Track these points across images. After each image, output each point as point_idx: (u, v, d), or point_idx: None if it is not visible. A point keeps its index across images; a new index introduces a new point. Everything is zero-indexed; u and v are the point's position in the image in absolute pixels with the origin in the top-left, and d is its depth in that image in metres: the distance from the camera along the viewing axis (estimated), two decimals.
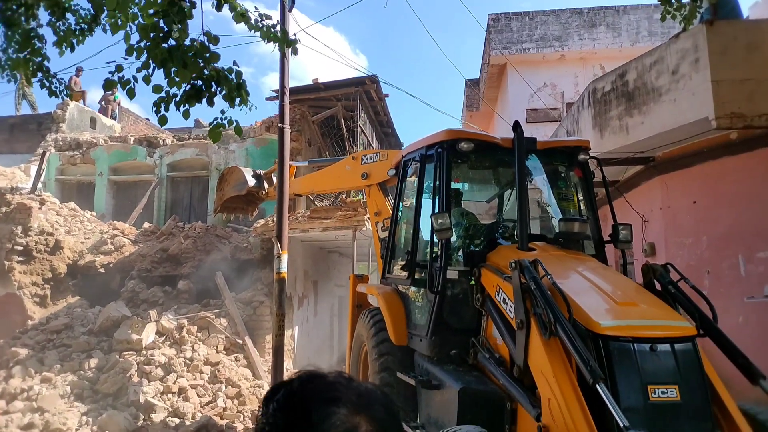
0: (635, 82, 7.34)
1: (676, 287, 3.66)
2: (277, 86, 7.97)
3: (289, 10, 6.97)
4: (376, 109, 13.92)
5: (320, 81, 12.06)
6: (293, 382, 0.89)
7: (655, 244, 8.13)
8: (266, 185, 9.15)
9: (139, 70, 3.72)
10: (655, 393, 2.94)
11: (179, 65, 3.52)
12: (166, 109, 3.71)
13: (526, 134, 4.52)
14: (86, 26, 4.29)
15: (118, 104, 20.10)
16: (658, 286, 3.78)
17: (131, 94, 3.78)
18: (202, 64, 3.58)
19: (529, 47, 15.03)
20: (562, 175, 5.08)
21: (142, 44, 3.63)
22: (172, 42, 3.60)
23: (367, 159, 7.07)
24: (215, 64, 3.64)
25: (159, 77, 3.78)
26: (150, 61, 3.65)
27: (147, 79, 3.71)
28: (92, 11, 4.18)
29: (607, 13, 14.66)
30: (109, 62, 3.69)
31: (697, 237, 7.48)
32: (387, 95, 13.41)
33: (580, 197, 4.94)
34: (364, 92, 12.56)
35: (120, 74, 3.77)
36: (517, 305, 3.48)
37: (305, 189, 8.59)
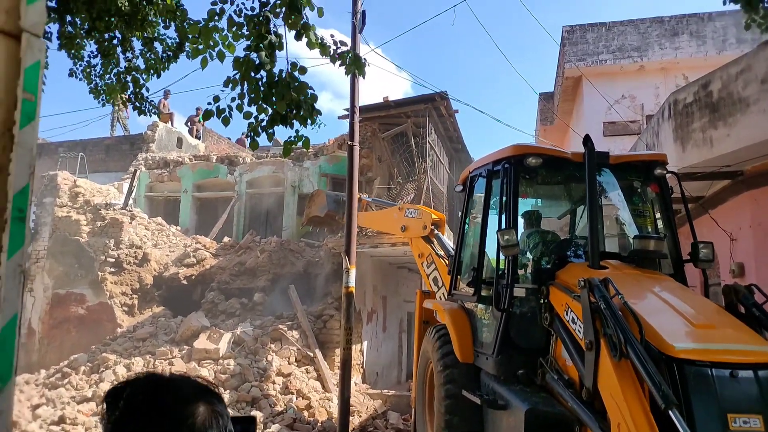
0: (720, 93, 6.97)
1: (761, 310, 3.43)
2: (345, 105, 8.36)
3: (360, 32, 7.19)
4: (446, 125, 13.93)
5: (390, 99, 12.26)
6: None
7: (744, 264, 7.61)
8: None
9: (233, 99, 4.03)
10: (735, 422, 2.77)
11: (279, 97, 3.78)
12: (256, 134, 4.00)
13: (603, 148, 4.42)
14: (172, 54, 4.64)
15: (203, 125, 21.29)
16: (741, 308, 3.55)
17: (226, 122, 4.09)
18: (293, 94, 3.82)
19: (605, 58, 14.58)
20: (638, 190, 4.91)
21: (236, 76, 3.91)
22: (263, 72, 3.86)
23: (409, 213, 7.72)
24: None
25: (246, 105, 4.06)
26: (245, 91, 3.94)
27: (240, 108, 4.01)
28: (177, 40, 4.52)
29: (690, 21, 13.98)
30: (210, 95, 4.01)
31: None
32: (457, 111, 13.42)
33: (657, 214, 4.74)
34: (434, 108, 12.62)
35: (217, 104, 4.09)
36: (587, 325, 3.39)
37: (365, 224, 9.65)
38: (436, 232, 7.25)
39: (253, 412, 9.40)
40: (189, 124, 21.05)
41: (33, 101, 0.88)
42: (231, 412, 1.09)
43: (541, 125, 20.08)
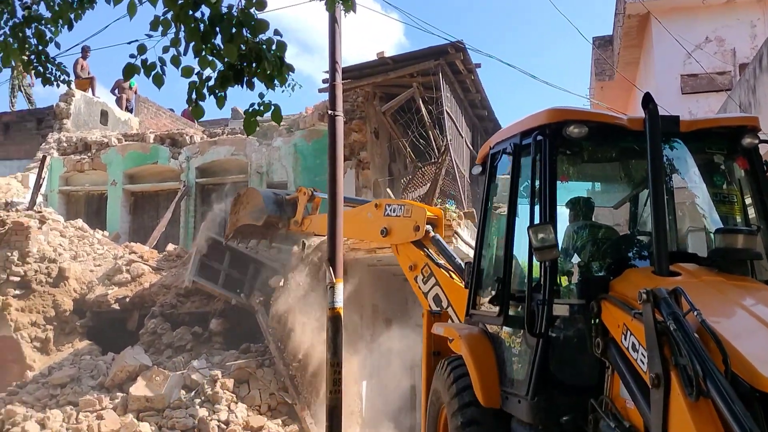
0: None
1: None
2: (318, 62, 8.33)
3: None
4: (464, 84, 13.92)
5: (387, 55, 12.28)
6: None
7: None
8: (295, 214, 10.16)
9: (165, 49, 3.92)
10: None
11: (226, 38, 3.71)
12: (200, 97, 3.91)
13: (682, 109, 4.40)
14: None
15: (135, 92, 21.24)
16: None
17: (159, 81, 3.99)
18: (248, 36, 3.76)
19: None
20: (721, 167, 4.91)
21: (168, 16, 3.83)
22: (205, 10, 3.80)
23: (390, 210, 7.67)
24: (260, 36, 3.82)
25: (188, 59, 4.02)
26: (181, 36, 3.85)
27: (176, 60, 3.91)
28: None
29: None
30: (131, 42, 3.92)
31: None
32: (479, 65, 13.41)
33: (748, 199, 4.73)
34: (447, 65, 12.61)
35: (143, 56, 3.95)
36: (652, 353, 3.40)
37: (324, 230, 9.12)
38: (432, 234, 7.26)
39: None
40: (117, 91, 21.04)
41: None
42: None
43: (597, 81, 20.10)
